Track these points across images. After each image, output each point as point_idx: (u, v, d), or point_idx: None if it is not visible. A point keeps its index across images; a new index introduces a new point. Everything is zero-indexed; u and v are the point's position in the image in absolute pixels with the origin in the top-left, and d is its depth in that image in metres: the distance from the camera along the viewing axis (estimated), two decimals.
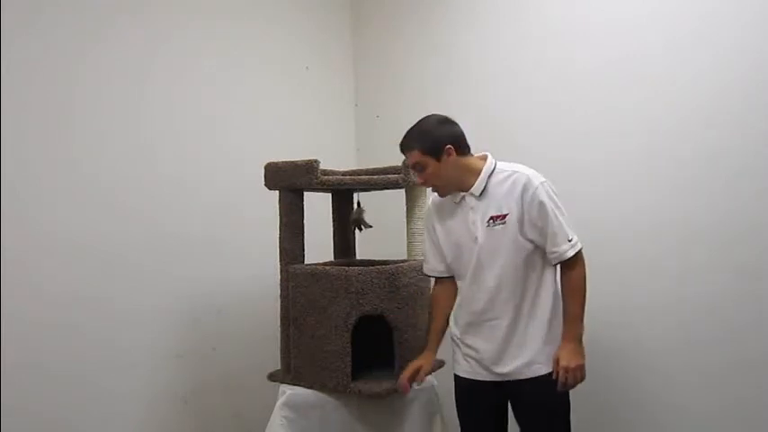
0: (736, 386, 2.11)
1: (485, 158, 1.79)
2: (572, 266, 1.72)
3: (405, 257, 2.17)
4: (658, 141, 2.25)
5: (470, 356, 1.82)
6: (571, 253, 1.69)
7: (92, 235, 2.11)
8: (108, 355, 2.14)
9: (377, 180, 2.08)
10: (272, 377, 2.11)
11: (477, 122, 2.70)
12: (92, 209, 2.11)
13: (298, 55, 2.91)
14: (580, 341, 1.72)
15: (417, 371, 1.85)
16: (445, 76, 2.84)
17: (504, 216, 1.71)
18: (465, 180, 1.76)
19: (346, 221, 2.36)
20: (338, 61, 3.14)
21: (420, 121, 1.80)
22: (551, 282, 1.76)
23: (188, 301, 2.40)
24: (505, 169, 1.75)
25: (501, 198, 1.72)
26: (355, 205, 2.36)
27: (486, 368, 1.78)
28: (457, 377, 1.89)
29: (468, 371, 1.83)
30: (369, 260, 2.27)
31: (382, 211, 2.40)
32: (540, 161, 2.47)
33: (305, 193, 2.12)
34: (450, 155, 1.72)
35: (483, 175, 1.74)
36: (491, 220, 1.72)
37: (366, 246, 2.50)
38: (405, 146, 1.79)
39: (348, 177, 2.13)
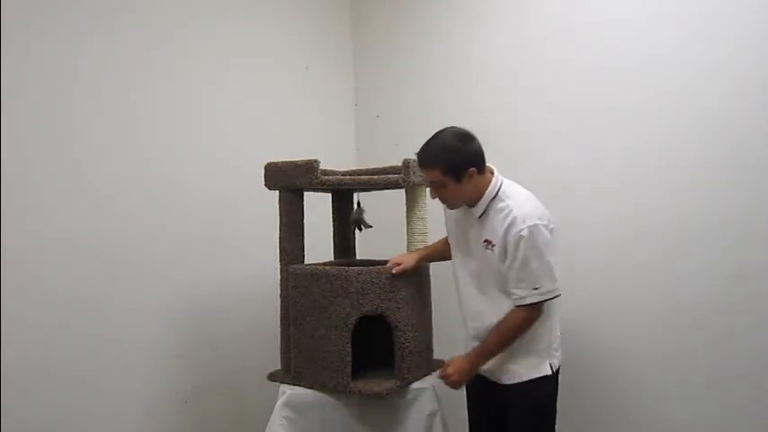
0: (724, 394, 2.13)
1: (492, 175, 1.78)
2: (522, 312, 1.72)
3: None
4: (653, 143, 2.26)
5: None
6: (529, 301, 1.70)
7: (92, 235, 2.11)
8: (108, 355, 2.14)
9: (377, 180, 2.08)
10: (272, 377, 2.11)
11: (476, 122, 2.72)
12: (91, 209, 2.11)
13: (298, 55, 2.91)
14: (477, 363, 1.81)
15: (398, 264, 1.95)
16: (445, 76, 2.84)
17: (494, 245, 1.74)
18: (474, 198, 1.78)
19: (346, 221, 2.36)
20: (338, 61, 3.14)
21: (440, 135, 1.75)
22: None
23: (188, 301, 2.40)
24: (506, 198, 1.74)
25: (495, 227, 1.74)
26: (355, 205, 2.36)
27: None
28: None
29: None
30: (369, 260, 2.27)
31: (382, 211, 2.40)
32: (540, 161, 2.51)
33: (305, 193, 2.12)
34: (471, 177, 1.71)
35: (484, 200, 1.76)
36: (485, 243, 1.76)
37: (366, 246, 2.50)
38: (425, 163, 1.75)
39: (348, 177, 2.13)
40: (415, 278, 2.04)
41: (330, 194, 2.40)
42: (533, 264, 1.67)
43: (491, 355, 1.79)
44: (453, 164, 1.70)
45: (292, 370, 2.04)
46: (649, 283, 2.27)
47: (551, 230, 1.73)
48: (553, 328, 1.84)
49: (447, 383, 1.84)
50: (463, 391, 2.07)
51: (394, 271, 1.94)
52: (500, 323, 1.76)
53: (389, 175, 2.07)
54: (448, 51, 2.83)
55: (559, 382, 1.88)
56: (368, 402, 1.96)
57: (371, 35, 3.15)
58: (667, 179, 2.23)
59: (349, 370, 1.92)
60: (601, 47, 2.38)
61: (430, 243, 2.12)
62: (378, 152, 2.97)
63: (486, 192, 1.74)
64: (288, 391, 2.00)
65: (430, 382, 2.09)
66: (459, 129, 1.76)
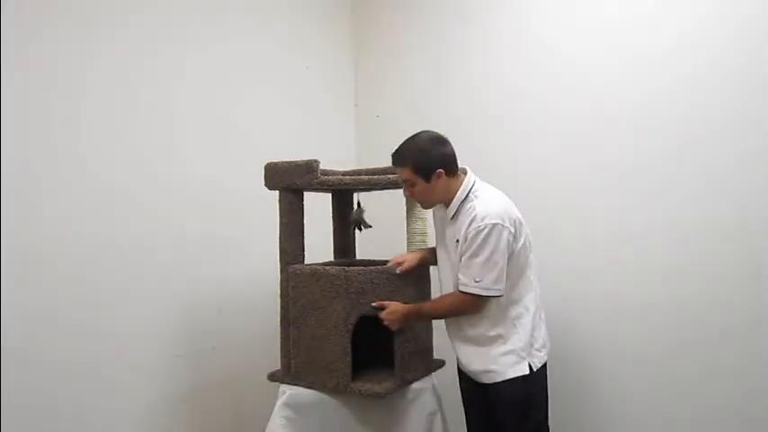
0: (718, 392, 2.15)
1: (465, 176, 1.85)
2: (461, 296, 1.80)
3: None
4: (652, 141, 2.26)
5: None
6: (468, 290, 1.78)
7: (91, 235, 2.11)
8: (108, 355, 2.14)
9: (377, 180, 2.08)
10: (272, 377, 2.11)
11: (476, 122, 2.73)
12: (91, 209, 2.11)
13: (298, 55, 2.91)
14: (410, 315, 1.91)
15: (400, 263, 1.99)
16: (445, 76, 2.84)
17: (459, 242, 1.81)
18: (447, 199, 1.86)
19: (346, 221, 2.36)
20: (338, 61, 3.14)
21: (414, 137, 1.86)
22: (494, 308, 1.83)
23: (188, 301, 2.40)
24: (473, 199, 1.81)
25: (462, 225, 1.80)
26: (355, 205, 2.36)
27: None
28: (458, 369, 2.04)
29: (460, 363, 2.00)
30: (369, 260, 2.27)
31: (382, 211, 2.40)
32: (540, 160, 2.52)
33: (305, 193, 2.12)
34: (439, 178, 1.81)
35: (456, 201, 1.84)
36: (456, 242, 1.83)
37: (366, 246, 2.50)
38: (397, 161, 1.86)
39: (348, 177, 2.13)
40: (415, 278, 2.04)
41: (330, 194, 2.40)
42: (480, 258, 1.74)
43: (423, 317, 1.97)
44: (423, 164, 1.80)
45: (292, 370, 2.04)
46: (649, 282, 2.27)
47: (514, 234, 1.78)
48: (534, 327, 1.87)
49: (386, 320, 1.91)
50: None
51: (398, 271, 1.96)
52: (444, 295, 1.91)
53: (389, 175, 2.07)
54: (448, 51, 2.83)
55: (548, 378, 1.92)
56: (368, 402, 1.96)
57: (371, 35, 3.15)
58: (666, 179, 2.24)
59: (349, 370, 1.92)
60: (601, 48, 2.38)
61: (430, 243, 2.12)
62: (378, 152, 2.95)
63: (458, 193, 1.83)
64: (288, 391, 2.00)
65: (430, 382, 2.09)
66: (433, 133, 1.87)
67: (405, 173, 1.84)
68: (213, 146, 2.49)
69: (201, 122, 2.46)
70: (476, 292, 1.76)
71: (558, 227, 2.46)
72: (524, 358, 1.84)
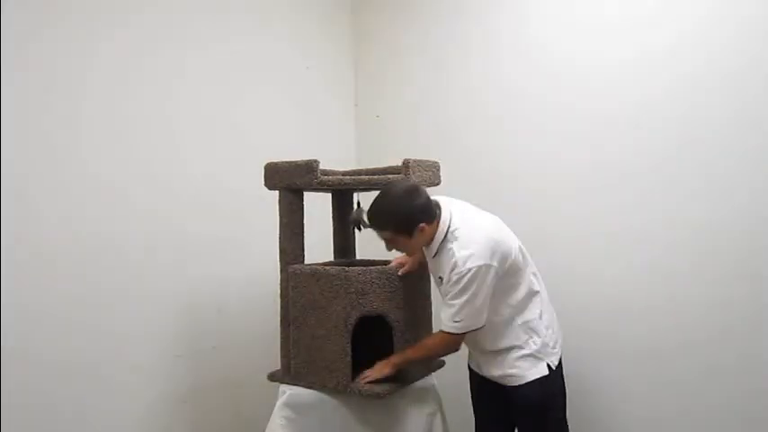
0: (715, 392, 2.15)
1: (440, 213, 1.83)
2: (440, 335, 1.84)
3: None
4: (652, 141, 2.26)
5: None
6: (448, 330, 1.80)
7: (91, 235, 2.11)
8: (108, 354, 2.14)
9: (377, 180, 2.08)
10: (272, 377, 2.11)
11: (476, 122, 2.73)
12: (91, 209, 2.11)
13: (298, 55, 2.91)
14: (401, 365, 1.93)
15: (402, 264, 2.00)
16: (445, 76, 2.84)
17: (443, 281, 1.83)
18: (428, 242, 1.85)
19: (346, 221, 2.36)
20: (338, 61, 3.14)
21: (387, 195, 1.80)
22: (503, 324, 1.85)
23: (188, 301, 2.40)
24: (453, 240, 1.78)
25: (444, 266, 1.80)
26: (355, 205, 2.36)
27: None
28: (469, 368, 2.06)
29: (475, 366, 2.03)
30: (369, 260, 2.27)
31: None
32: (540, 160, 2.51)
33: (305, 193, 2.12)
34: (422, 231, 1.79)
35: (435, 242, 1.82)
36: (439, 279, 1.84)
37: (366, 246, 2.50)
38: (376, 225, 1.83)
39: (348, 177, 2.13)
40: (415, 278, 2.04)
41: (330, 194, 2.40)
42: (461, 299, 1.75)
43: (411, 363, 1.95)
44: (403, 223, 1.77)
45: (292, 370, 2.04)
46: (648, 282, 2.27)
47: (500, 265, 1.77)
48: (548, 327, 1.88)
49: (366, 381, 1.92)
50: (463, 391, 2.10)
51: (400, 273, 1.97)
52: (426, 338, 1.96)
53: (389, 175, 2.07)
54: (448, 51, 2.83)
55: (563, 375, 1.93)
56: (368, 402, 1.96)
57: (371, 35, 3.14)
58: (666, 179, 2.24)
59: (349, 370, 1.92)
60: (601, 48, 2.38)
61: None
62: (378, 152, 2.96)
63: (436, 236, 1.81)
64: (288, 391, 2.00)
65: (430, 382, 2.09)
66: (403, 185, 1.83)
67: (385, 234, 1.82)
68: (213, 146, 2.49)
69: (201, 122, 2.46)
70: (455, 332, 1.79)
71: (557, 227, 2.46)
72: (542, 359, 1.85)
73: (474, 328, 1.80)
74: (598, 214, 2.38)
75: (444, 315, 1.81)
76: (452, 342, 1.85)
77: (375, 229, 1.84)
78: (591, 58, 2.40)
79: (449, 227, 1.80)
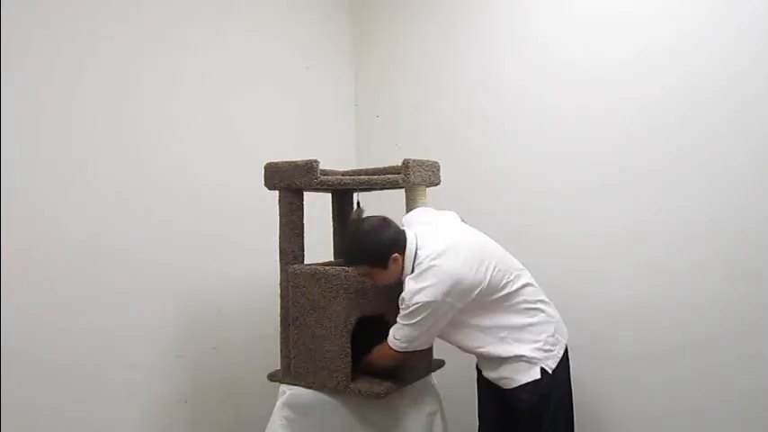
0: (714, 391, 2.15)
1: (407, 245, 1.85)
2: (388, 348, 1.87)
3: None
4: (652, 141, 2.27)
5: None
6: (392, 345, 1.86)
7: (91, 235, 2.10)
8: (108, 354, 2.14)
9: (377, 180, 2.08)
10: (272, 377, 2.11)
11: (476, 122, 2.73)
12: (91, 209, 2.11)
13: (298, 55, 2.91)
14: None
15: None
16: (445, 76, 2.84)
17: None
18: (400, 275, 1.87)
19: (346, 221, 2.36)
20: (338, 61, 3.14)
21: (358, 233, 1.87)
22: (490, 338, 1.86)
23: (188, 301, 2.40)
24: (415, 271, 1.81)
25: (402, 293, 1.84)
26: (355, 205, 2.36)
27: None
28: (476, 368, 2.05)
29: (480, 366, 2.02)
30: None
31: (382, 211, 2.39)
32: (540, 160, 2.52)
33: (305, 193, 2.12)
34: (396, 261, 1.82)
35: (407, 270, 1.84)
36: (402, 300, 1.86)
37: None
38: (351, 262, 1.91)
39: (348, 177, 2.13)
40: None
41: (330, 194, 2.40)
42: (405, 323, 1.80)
43: (373, 368, 1.98)
44: (377, 257, 1.83)
45: (292, 370, 2.04)
46: (646, 282, 2.28)
47: (452, 301, 1.77)
48: (541, 332, 1.86)
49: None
50: (463, 391, 2.11)
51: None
52: (376, 348, 1.95)
53: (389, 175, 2.07)
54: (448, 51, 2.83)
55: (562, 377, 1.90)
56: (368, 402, 1.96)
57: (371, 35, 3.14)
58: (667, 179, 2.24)
59: (349, 370, 1.92)
60: (601, 48, 2.38)
61: None
62: (378, 152, 2.97)
63: (406, 266, 1.84)
64: (288, 391, 2.00)
65: (430, 382, 2.09)
66: (371, 219, 1.88)
67: (361, 270, 1.87)
68: (213, 146, 2.49)
69: (201, 122, 2.45)
70: (395, 348, 1.85)
71: (557, 227, 2.46)
72: (535, 364, 1.84)
73: (414, 349, 1.85)
74: (598, 214, 2.38)
75: (392, 330, 1.86)
76: (399, 357, 1.89)
77: (350, 266, 1.92)
78: (591, 58, 2.40)
79: (414, 263, 1.83)
